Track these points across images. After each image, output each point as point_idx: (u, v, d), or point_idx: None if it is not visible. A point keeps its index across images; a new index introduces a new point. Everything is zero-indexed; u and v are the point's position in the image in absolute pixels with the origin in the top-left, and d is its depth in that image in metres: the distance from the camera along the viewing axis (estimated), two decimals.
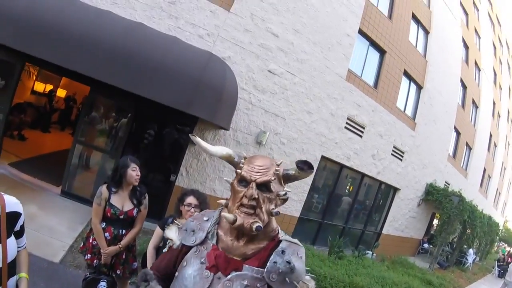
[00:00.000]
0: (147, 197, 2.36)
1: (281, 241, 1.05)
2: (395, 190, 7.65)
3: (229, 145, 5.26)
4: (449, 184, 9.71)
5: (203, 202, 2.14)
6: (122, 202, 2.24)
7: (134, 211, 2.26)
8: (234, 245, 1.02)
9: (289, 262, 0.98)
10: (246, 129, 5.29)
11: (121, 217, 2.22)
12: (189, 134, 1.14)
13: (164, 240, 2.14)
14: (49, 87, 8.15)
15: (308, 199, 6.07)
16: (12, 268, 1.22)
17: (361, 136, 6.48)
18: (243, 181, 1.01)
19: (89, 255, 2.33)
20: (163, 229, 2.15)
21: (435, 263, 8.11)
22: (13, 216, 1.21)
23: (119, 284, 2.49)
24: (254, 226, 0.96)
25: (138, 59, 3.82)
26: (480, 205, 10.38)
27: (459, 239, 9.59)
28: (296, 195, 5.81)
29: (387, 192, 7.80)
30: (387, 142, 7.05)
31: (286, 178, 1.03)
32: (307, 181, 5.85)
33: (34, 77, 7.36)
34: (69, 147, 5.22)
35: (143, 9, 4.51)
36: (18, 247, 1.28)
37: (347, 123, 6.22)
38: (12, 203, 1.23)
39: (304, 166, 0.99)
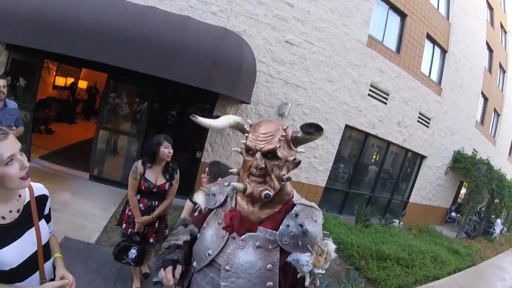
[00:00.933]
0: (178, 173, 2.51)
1: (295, 204, 1.04)
2: (422, 158, 7.43)
3: (251, 118, 5.25)
4: (477, 152, 9.33)
5: (227, 172, 2.24)
6: (155, 176, 2.40)
7: (166, 185, 2.41)
8: (250, 210, 1.03)
9: (301, 225, 0.97)
10: (268, 102, 5.24)
11: (154, 190, 2.39)
12: (190, 116, 1.08)
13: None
14: (70, 80, 8.36)
15: (333, 169, 6.01)
16: (46, 251, 1.24)
17: (385, 103, 6.27)
18: (250, 150, 1.00)
19: (124, 224, 2.56)
20: (193, 202, 2.24)
21: (462, 233, 7.95)
22: (42, 200, 1.24)
23: (150, 251, 2.78)
24: (263, 194, 0.96)
25: (154, 42, 3.82)
26: (509, 174, 9.93)
27: (487, 208, 9.30)
28: (321, 164, 5.77)
29: (414, 160, 7.60)
30: (413, 108, 6.79)
31: (296, 141, 0.98)
32: (332, 150, 5.79)
33: (54, 73, 7.58)
34: (93, 136, 5.42)
35: None
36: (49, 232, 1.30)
37: (370, 90, 6.02)
38: (39, 187, 1.25)
39: (310, 130, 0.94)
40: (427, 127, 7.24)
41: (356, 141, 6.52)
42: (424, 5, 7.07)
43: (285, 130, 0.97)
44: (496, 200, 8.97)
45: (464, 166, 8.11)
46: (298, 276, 0.95)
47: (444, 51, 7.87)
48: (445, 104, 7.69)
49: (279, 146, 0.95)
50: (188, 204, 2.27)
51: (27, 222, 1.14)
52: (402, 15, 6.75)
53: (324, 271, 0.94)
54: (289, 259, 0.95)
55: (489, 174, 7.76)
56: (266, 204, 1.01)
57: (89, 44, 3.68)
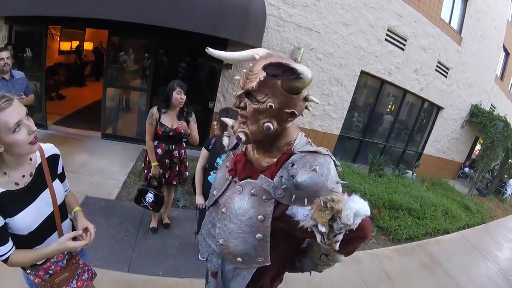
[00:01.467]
0: (193, 115, 2.52)
1: (295, 153, 0.91)
2: (439, 109, 7.19)
3: None
4: (495, 108, 8.99)
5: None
6: (171, 121, 2.43)
7: (182, 129, 2.43)
8: (254, 156, 0.98)
9: (292, 177, 0.84)
10: (279, 47, 5.03)
11: (171, 134, 2.43)
12: (205, 49, 0.96)
13: (209, 160, 2.28)
14: (75, 43, 8.21)
15: (348, 117, 5.89)
16: (63, 210, 1.23)
17: (403, 50, 5.97)
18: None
19: (145, 170, 2.66)
20: (208, 150, 2.28)
21: (474, 189, 7.86)
22: (53, 159, 1.22)
23: (169, 193, 2.91)
24: (237, 134, 0.89)
25: None
26: None
27: (501, 167, 9.10)
28: (336, 112, 5.65)
29: (430, 110, 7.38)
30: (431, 56, 6.46)
31: (287, 87, 0.79)
32: (347, 97, 5.63)
33: (58, 38, 7.43)
34: (105, 95, 5.38)
35: None
36: (64, 191, 1.30)
37: (387, 34, 5.70)
38: (49, 147, 1.22)
39: (276, 72, 0.72)
40: (445, 77, 6.93)
41: (372, 89, 6.31)
42: None
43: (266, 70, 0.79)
44: (510, 160, 8.77)
45: (480, 121, 7.85)
46: (309, 230, 0.83)
47: None
48: (465, 54, 7.29)
49: (255, 87, 0.80)
50: (203, 152, 2.30)
51: (40, 184, 1.13)
52: None
53: (332, 231, 0.79)
54: (287, 212, 0.87)
55: (506, 131, 7.50)
56: (267, 152, 0.94)
57: (89, 1, 3.51)
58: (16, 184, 1.06)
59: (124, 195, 3.56)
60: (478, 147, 10.35)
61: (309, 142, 0.94)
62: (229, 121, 0.98)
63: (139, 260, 2.61)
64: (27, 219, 1.07)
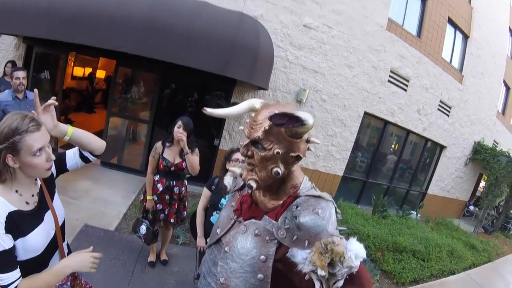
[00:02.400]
0: (197, 150, 2.49)
1: (300, 196, 0.95)
2: (442, 148, 7.19)
3: None
4: (497, 143, 9.00)
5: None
6: (173, 156, 2.45)
7: (183, 164, 2.43)
8: (260, 198, 1.00)
9: (295, 217, 0.87)
10: (285, 88, 5.12)
11: (172, 169, 2.43)
12: (202, 109, 1.00)
13: (211, 201, 2.22)
14: (88, 70, 8.40)
15: (351, 158, 5.87)
16: (63, 231, 1.24)
17: (405, 90, 6.05)
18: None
19: (144, 202, 2.64)
20: (210, 190, 2.23)
21: (480, 227, 7.71)
22: (50, 179, 1.20)
23: (167, 229, 2.87)
24: (247, 183, 0.92)
25: (170, 28, 3.78)
26: None
27: (506, 203, 8.97)
28: (339, 153, 5.64)
29: (433, 150, 7.36)
30: (433, 96, 6.54)
31: (290, 133, 0.84)
32: (350, 138, 5.64)
33: (72, 63, 7.61)
34: (113, 124, 5.43)
35: None
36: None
37: (390, 76, 5.80)
38: None
39: (280, 122, 0.78)
40: (448, 115, 6.98)
41: (375, 129, 6.33)
42: None
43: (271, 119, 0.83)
44: None
45: (484, 157, 7.82)
46: (306, 278, 0.82)
47: (466, 37, 7.53)
48: (467, 92, 7.39)
49: (262, 136, 0.84)
50: (205, 192, 2.26)
51: (44, 205, 1.14)
52: None
53: (332, 276, 0.77)
54: (287, 254, 0.87)
55: (510, 167, 7.46)
56: (272, 195, 0.97)
57: (106, 33, 3.65)
58: (27, 203, 1.07)
59: (124, 227, 3.50)
60: (482, 184, 10.27)
61: (313, 187, 0.97)
62: (237, 170, 1.01)
63: None
64: (38, 238, 1.06)
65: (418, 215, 6.73)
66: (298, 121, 0.76)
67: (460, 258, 4.90)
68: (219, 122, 5.11)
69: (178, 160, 2.44)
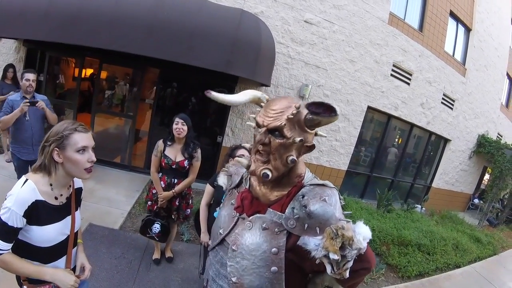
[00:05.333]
0: (199, 152, 2.52)
1: (305, 186, 0.97)
2: (446, 141, 7.16)
3: None
4: (501, 136, 8.94)
5: None
6: (175, 154, 2.47)
7: (185, 162, 2.45)
8: (261, 191, 0.99)
9: (305, 206, 0.89)
10: (288, 84, 5.12)
11: (173, 166, 2.45)
12: (205, 92, 0.99)
13: (215, 197, 2.24)
14: (90, 71, 8.41)
15: (355, 152, 5.87)
16: (76, 237, 1.32)
17: (408, 84, 6.03)
18: (259, 126, 0.93)
19: (150, 202, 2.65)
20: (213, 186, 2.25)
21: (485, 220, 7.68)
22: (79, 191, 1.34)
23: (173, 230, 2.85)
24: (262, 172, 0.91)
25: (172, 28, 3.79)
26: None
27: (510, 196, 8.95)
28: (343, 147, 5.64)
29: (437, 143, 7.34)
30: (437, 89, 6.51)
31: (309, 122, 0.88)
32: (354, 133, 5.64)
33: (73, 65, 7.64)
34: (116, 124, 5.47)
35: None
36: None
37: (393, 70, 5.78)
38: (77, 180, 1.33)
39: (317, 111, 0.85)
40: (451, 109, 6.95)
41: (379, 124, 6.32)
42: None
43: (297, 108, 0.87)
44: None
45: (488, 150, 7.79)
46: (317, 262, 0.84)
47: (468, 30, 7.49)
48: (470, 85, 7.35)
49: (285, 124, 0.86)
50: (208, 188, 2.28)
51: (67, 210, 1.24)
52: None
53: (343, 259, 0.80)
54: (299, 242, 0.88)
55: None
56: (276, 185, 0.97)
57: (107, 34, 3.66)
58: (56, 198, 1.17)
59: (129, 225, 3.53)
60: (487, 176, 10.22)
61: (315, 177, 1.01)
62: (244, 161, 0.99)
63: None
64: (50, 234, 1.14)
65: (423, 208, 6.72)
66: (333, 111, 0.81)
67: (465, 251, 4.89)
68: (222, 119, 5.13)
69: (179, 158, 2.46)
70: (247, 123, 1.10)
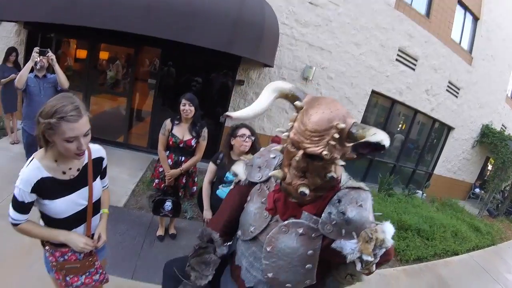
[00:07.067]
0: (206, 131, 2.55)
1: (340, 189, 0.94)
2: (449, 129, 7.13)
3: None
4: (506, 128, 8.88)
5: (255, 133, 2.20)
6: (182, 133, 2.50)
7: (192, 141, 2.49)
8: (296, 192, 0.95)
9: (343, 213, 0.89)
10: (291, 65, 5.10)
11: (181, 145, 2.49)
12: (224, 115, 0.95)
13: (217, 175, 2.29)
14: (91, 52, 8.37)
15: None
16: (96, 207, 1.36)
17: (413, 69, 5.99)
18: (294, 145, 0.86)
19: (156, 180, 2.69)
20: (215, 164, 2.30)
21: (485, 210, 7.68)
22: (98, 161, 1.34)
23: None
24: (299, 190, 0.87)
25: (173, 7, 3.76)
26: None
27: None
28: None
29: (441, 130, 7.31)
30: (442, 76, 6.46)
31: (351, 138, 0.80)
32: (357, 116, 5.63)
33: (75, 46, 7.63)
34: (118, 105, 5.50)
35: None
36: (102, 187, 1.44)
37: (398, 55, 5.74)
38: (96, 149, 1.34)
39: (364, 151, 0.79)
40: (456, 97, 6.90)
41: (382, 108, 6.30)
42: None
43: (339, 130, 0.78)
44: None
45: (491, 141, 7.74)
46: (347, 261, 0.87)
47: (476, 19, 7.38)
48: (476, 74, 7.27)
49: (325, 151, 0.79)
50: (211, 166, 2.33)
51: (83, 181, 1.26)
52: None
53: (374, 258, 0.82)
54: (333, 245, 0.90)
55: None
56: (315, 189, 0.93)
57: (108, 14, 3.65)
58: (63, 173, 1.19)
59: (132, 203, 3.60)
60: (489, 167, 10.17)
61: (350, 178, 0.98)
62: (279, 174, 0.92)
63: (144, 268, 2.61)
64: (61, 206, 1.19)
65: (424, 194, 6.74)
66: (383, 149, 0.74)
67: (464, 239, 4.92)
68: (225, 99, 5.14)
69: (187, 137, 2.50)
70: (277, 129, 0.95)
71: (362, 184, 0.95)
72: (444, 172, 7.48)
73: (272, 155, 1.10)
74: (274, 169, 1.05)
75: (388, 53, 5.63)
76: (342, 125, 0.78)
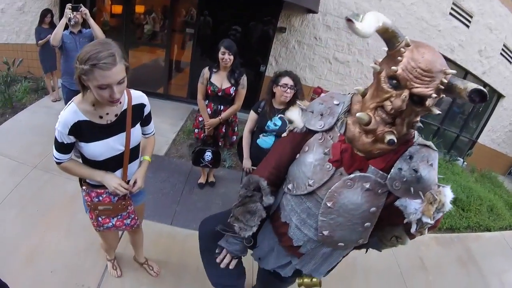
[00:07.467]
0: (245, 78, 2.48)
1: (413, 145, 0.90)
2: (499, 96, 6.65)
3: (319, 30, 4.96)
4: None
5: (298, 83, 2.09)
6: (221, 81, 2.46)
7: (231, 89, 2.46)
8: (361, 139, 0.90)
9: (416, 171, 0.86)
10: (337, 12, 4.87)
11: (220, 94, 2.46)
12: (345, 19, 0.84)
13: (258, 124, 2.22)
14: (126, 6, 8.46)
15: None
16: (134, 153, 1.36)
17: (468, 26, 5.56)
18: (395, 80, 0.79)
19: (196, 130, 2.72)
20: (256, 112, 2.24)
21: None
22: (139, 107, 1.33)
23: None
24: (387, 139, 0.82)
25: None
26: None
27: None
28: None
29: (490, 97, 6.79)
30: (497, 38, 5.96)
31: (448, 90, 0.78)
32: None
33: (110, 1, 7.71)
34: (157, 57, 5.52)
35: None
36: (146, 134, 1.47)
37: (452, 8, 5.33)
38: (138, 95, 1.33)
39: (476, 98, 0.75)
40: (510, 63, 6.38)
41: None
42: None
43: (446, 75, 0.77)
44: None
45: None
46: (405, 222, 0.86)
47: None
48: None
49: (435, 94, 0.78)
50: (252, 115, 2.29)
51: (120, 126, 1.26)
52: None
53: (433, 222, 0.81)
54: (397, 203, 0.87)
55: None
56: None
57: None
58: (100, 117, 1.20)
59: (173, 152, 3.68)
60: None
61: (419, 135, 0.96)
62: (364, 116, 0.85)
63: (183, 215, 2.68)
64: (97, 149, 1.22)
65: (465, 163, 6.47)
66: (485, 100, 0.75)
67: (498, 216, 4.63)
68: (266, 48, 5.04)
69: (226, 85, 2.45)
70: (371, 65, 0.87)
71: (431, 143, 0.93)
72: (488, 142, 7.05)
73: (335, 102, 0.99)
74: (338, 118, 0.96)
75: (442, 6, 5.24)
76: (452, 71, 0.77)
